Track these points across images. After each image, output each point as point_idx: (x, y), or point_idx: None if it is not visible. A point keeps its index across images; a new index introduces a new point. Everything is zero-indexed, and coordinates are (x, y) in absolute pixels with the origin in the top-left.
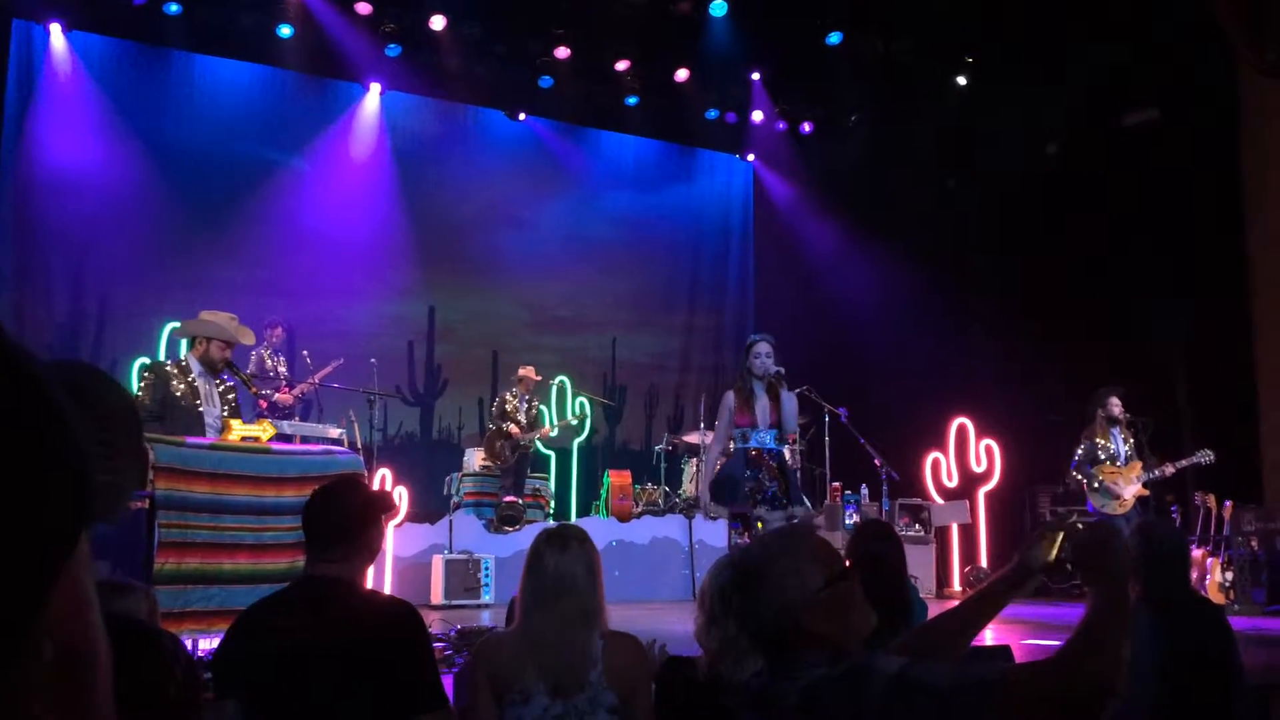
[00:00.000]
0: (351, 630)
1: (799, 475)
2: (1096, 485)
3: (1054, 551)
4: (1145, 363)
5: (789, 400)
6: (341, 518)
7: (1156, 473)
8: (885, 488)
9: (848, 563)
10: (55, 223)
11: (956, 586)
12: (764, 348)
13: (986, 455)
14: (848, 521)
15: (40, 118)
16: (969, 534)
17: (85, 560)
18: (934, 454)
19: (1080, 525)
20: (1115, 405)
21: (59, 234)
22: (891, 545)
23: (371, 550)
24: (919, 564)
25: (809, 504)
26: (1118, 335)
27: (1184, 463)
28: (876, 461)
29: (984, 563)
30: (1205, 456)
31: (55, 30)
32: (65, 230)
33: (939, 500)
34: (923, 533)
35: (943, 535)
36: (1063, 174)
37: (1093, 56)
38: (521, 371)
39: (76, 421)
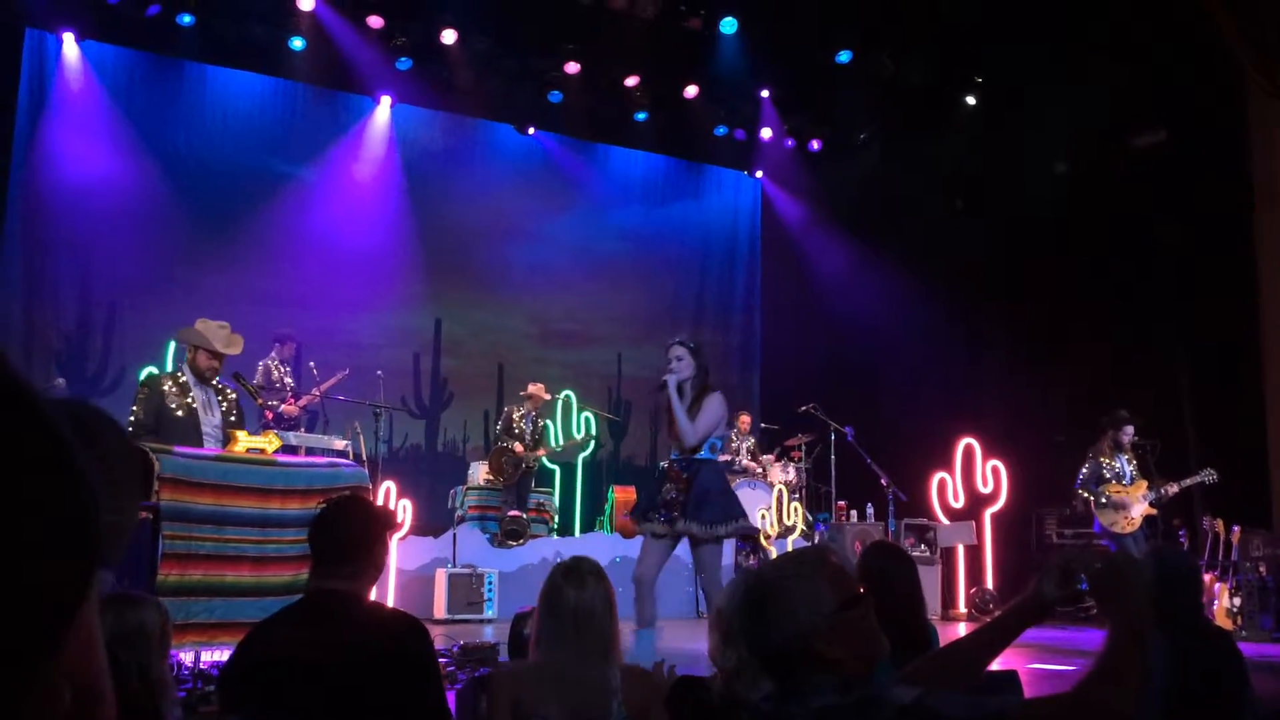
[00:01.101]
0: (358, 646)
1: (719, 492)
2: (1105, 501)
3: (1069, 582)
4: (1153, 385)
5: (706, 406)
6: (348, 535)
7: (1162, 491)
8: (892, 508)
9: (860, 588)
10: (65, 231)
11: (962, 608)
12: (671, 352)
13: (993, 476)
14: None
15: (52, 127)
16: (975, 555)
17: (94, 602)
18: (940, 474)
19: (1096, 555)
20: (1128, 434)
21: (68, 243)
22: (904, 567)
23: (377, 566)
24: (924, 585)
25: (724, 524)
26: (1125, 357)
27: (1188, 481)
28: (883, 481)
29: (990, 584)
30: (1209, 476)
31: (68, 40)
32: (75, 239)
33: (945, 521)
34: (928, 553)
35: (949, 556)
36: (1071, 194)
37: (1101, 77)
38: (531, 389)
39: (86, 463)
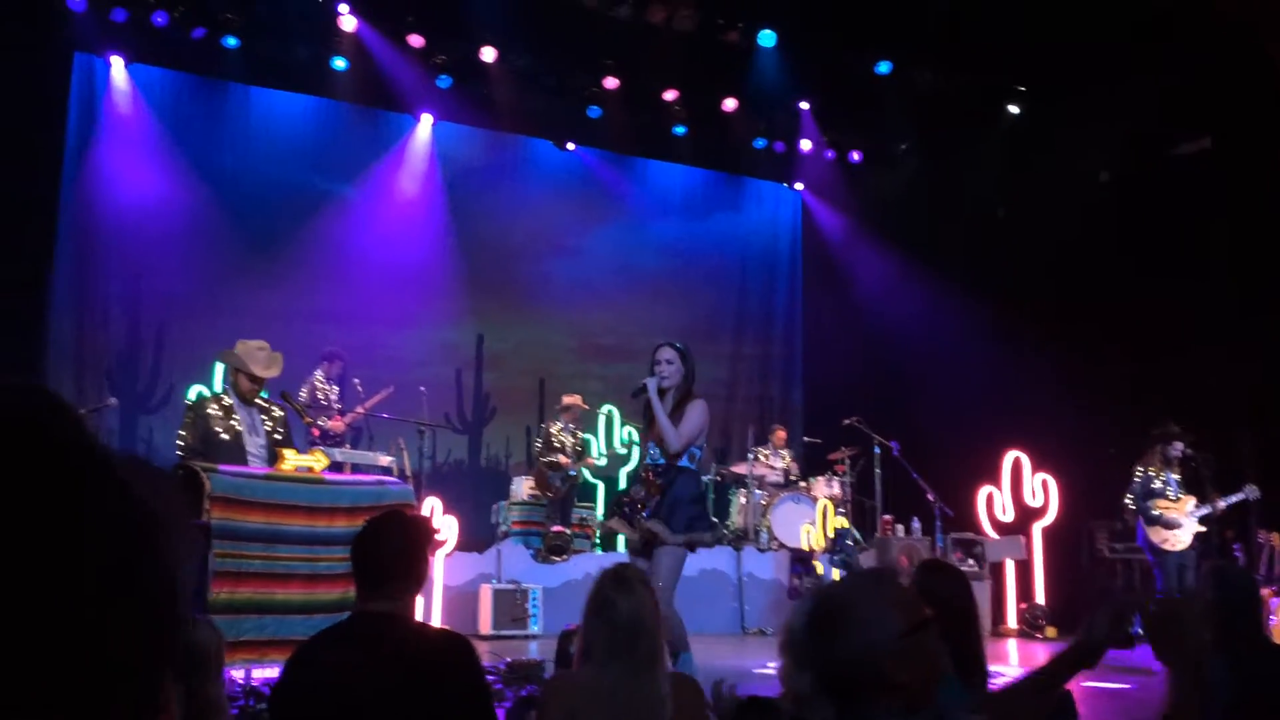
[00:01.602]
0: (407, 666)
1: (690, 501)
2: (1155, 517)
3: (1120, 627)
4: (1204, 395)
5: (690, 412)
6: (390, 555)
7: (1208, 507)
8: (939, 523)
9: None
10: (114, 251)
11: (1012, 624)
12: (661, 354)
13: (1042, 489)
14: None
15: (101, 149)
16: (1025, 570)
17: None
18: (988, 487)
19: (1150, 599)
20: (1176, 449)
21: (118, 262)
22: (960, 586)
23: (419, 581)
24: None
25: (689, 533)
26: (1175, 366)
27: (1233, 498)
28: (930, 496)
29: (1041, 600)
30: (1251, 492)
31: (117, 64)
32: (124, 259)
33: (993, 535)
34: (976, 568)
35: (997, 571)
36: (1116, 202)
37: (1145, 85)
38: (566, 400)
39: (172, 537)
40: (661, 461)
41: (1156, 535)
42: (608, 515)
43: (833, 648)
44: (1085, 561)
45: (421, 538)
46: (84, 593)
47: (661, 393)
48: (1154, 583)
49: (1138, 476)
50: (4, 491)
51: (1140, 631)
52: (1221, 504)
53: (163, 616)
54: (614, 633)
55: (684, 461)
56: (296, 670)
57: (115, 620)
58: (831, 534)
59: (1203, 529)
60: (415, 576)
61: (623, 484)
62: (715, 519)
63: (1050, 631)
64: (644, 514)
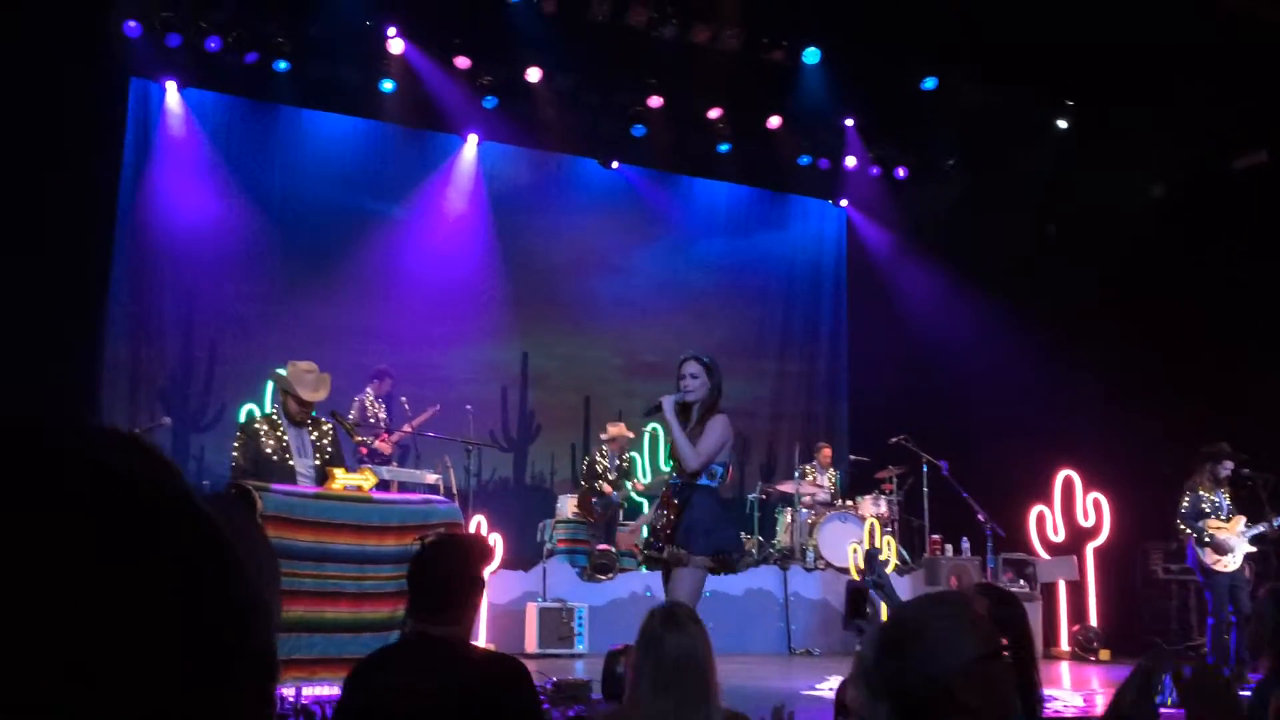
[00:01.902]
0: (465, 691)
1: (712, 522)
2: (1207, 539)
3: (1149, 695)
4: (1262, 413)
5: (710, 428)
6: (448, 580)
7: (1262, 527)
8: (990, 544)
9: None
10: (169, 272)
11: (1064, 646)
12: (686, 367)
13: (1095, 509)
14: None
15: (156, 172)
16: (1077, 591)
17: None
18: (1039, 507)
19: (1184, 666)
20: (1227, 468)
21: (171, 283)
22: (1016, 611)
23: (475, 606)
24: None
25: (707, 553)
26: (1230, 384)
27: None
28: (980, 517)
29: (1093, 621)
30: None
31: (171, 88)
32: (178, 280)
33: (1044, 555)
34: (1028, 589)
35: (1049, 592)
36: (1169, 217)
37: (1198, 97)
38: (611, 430)
39: (256, 586)
40: (673, 481)
41: (1207, 557)
42: (642, 547)
43: (904, 669)
44: (1139, 583)
45: (479, 561)
46: (200, 654)
47: (686, 407)
48: (1205, 605)
49: (1187, 497)
50: (114, 556)
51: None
52: (1278, 524)
53: (267, 670)
54: (662, 669)
55: (703, 480)
56: (356, 694)
57: (228, 682)
58: (882, 556)
59: (1253, 549)
60: (472, 601)
61: None
62: (761, 538)
63: (1104, 654)
64: (655, 544)
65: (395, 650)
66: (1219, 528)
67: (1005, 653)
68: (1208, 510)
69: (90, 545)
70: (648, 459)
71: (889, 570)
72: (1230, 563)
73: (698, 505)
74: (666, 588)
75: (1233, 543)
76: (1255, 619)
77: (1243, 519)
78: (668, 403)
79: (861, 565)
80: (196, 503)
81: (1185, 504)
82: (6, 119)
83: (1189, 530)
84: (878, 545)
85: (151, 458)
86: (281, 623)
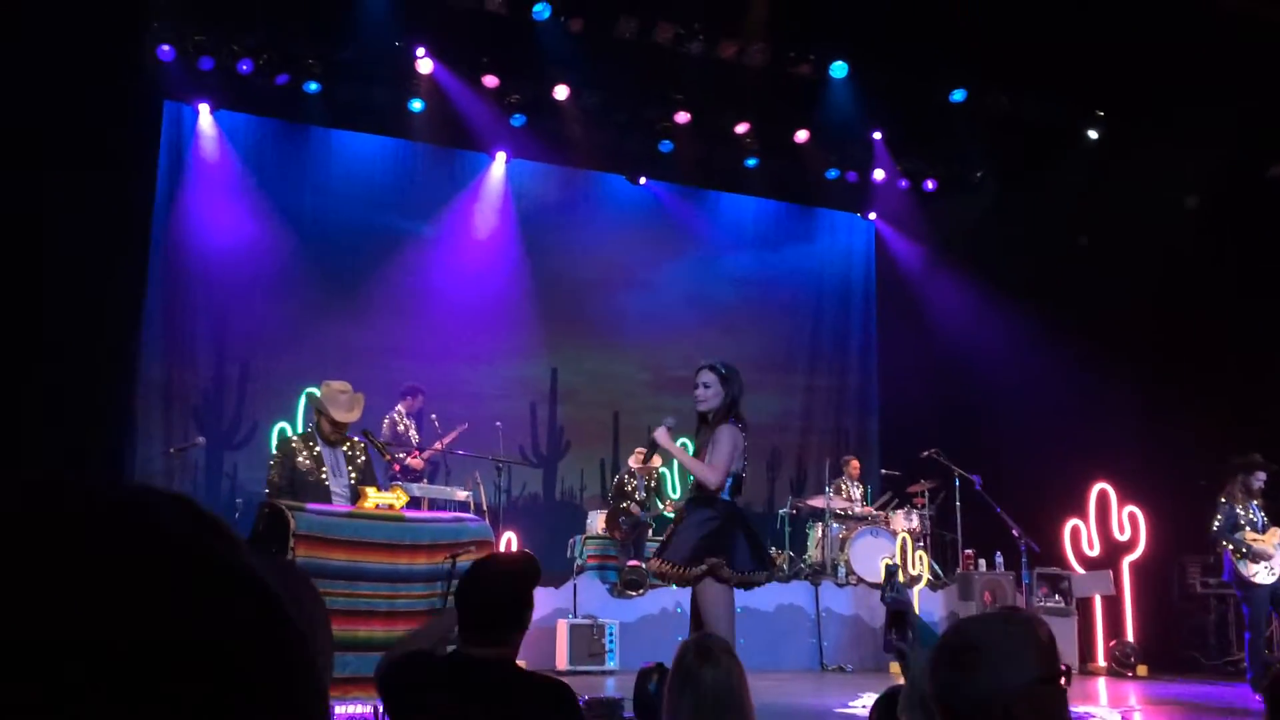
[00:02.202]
0: (513, 714)
1: (696, 529)
2: (1245, 551)
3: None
4: None
5: (718, 440)
6: (498, 600)
7: None
8: (1025, 559)
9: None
10: (201, 293)
11: (1101, 661)
12: (700, 376)
13: (1130, 523)
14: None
15: (188, 193)
16: (1113, 606)
17: None
18: (1073, 521)
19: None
20: (1260, 479)
21: (204, 302)
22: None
23: (525, 625)
24: (1060, 637)
25: (693, 564)
26: (1266, 395)
27: None
28: (1015, 532)
29: (1130, 637)
30: None
31: (204, 110)
32: (210, 300)
33: (1080, 570)
34: (1063, 604)
35: (1085, 607)
36: (1202, 228)
37: (1231, 106)
38: (633, 463)
39: (310, 653)
40: (708, 495)
41: (1245, 569)
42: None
43: (963, 681)
44: (1176, 597)
45: (530, 581)
46: None
47: (702, 418)
48: (1244, 619)
49: (1222, 509)
50: (166, 632)
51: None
52: None
53: None
54: (700, 703)
55: (708, 492)
56: (403, 713)
57: None
58: (914, 570)
59: None
60: (521, 622)
61: None
62: (792, 554)
63: (1141, 669)
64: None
65: (442, 669)
66: (1255, 539)
67: (1067, 676)
68: (1243, 522)
69: (148, 620)
70: (678, 476)
71: (921, 585)
72: (1267, 575)
73: (689, 517)
74: (693, 607)
75: (1270, 553)
76: None
77: (1279, 530)
78: (661, 434)
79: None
80: (254, 574)
81: (1220, 517)
82: (43, 143)
83: (1226, 543)
84: (896, 561)
85: (205, 526)
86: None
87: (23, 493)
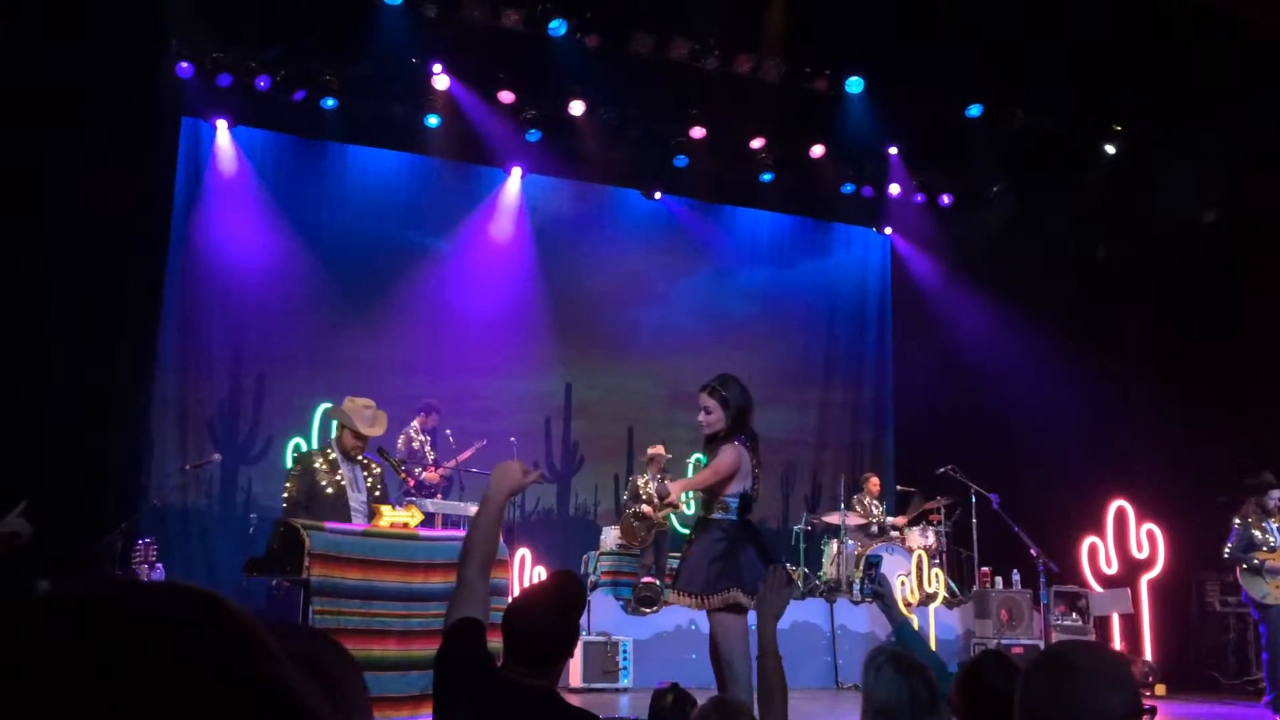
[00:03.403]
0: None
1: (711, 559)
2: (1256, 570)
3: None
4: None
5: (717, 456)
6: (553, 634)
7: None
8: (1043, 579)
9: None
10: (217, 306)
11: None
12: (700, 401)
13: (1149, 540)
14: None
15: (206, 208)
16: (1132, 625)
17: None
18: (1091, 538)
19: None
20: (1274, 498)
21: (220, 316)
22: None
23: (569, 653)
24: None
25: (712, 594)
26: None
27: None
28: (1033, 552)
29: (1149, 656)
30: None
31: (221, 126)
32: (226, 313)
33: (1097, 588)
34: (1080, 623)
35: (1103, 626)
36: (1221, 243)
37: (1248, 121)
38: (651, 451)
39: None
40: (720, 516)
41: (1257, 589)
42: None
43: (1050, 699)
44: (1195, 616)
45: (578, 612)
46: None
47: (709, 440)
48: (1261, 638)
49: (1236, 531)
50: None
51: None
52: None
53: None
54: None
55: (715, 514)
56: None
57: None
58: (930, 587)
59: None
60: (566, 651)
61: None
62: (807, 570)
63: (1160, 689)
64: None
65: (483, 694)
66: (1268, 557)
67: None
68: (1257, 540)
69: None
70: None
71: (937, 602)
72: (1278, 593)
73: (699, 542)
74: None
75: None
76: None
77: None
78: (672, 491)
79: (910, 600)
80: (278, 688)
81: (1233, 537)
82: (61, 159)
83: (1240, 563)
84: (927, 576)
85: (230, 636)
86: None
87: (42, 615)
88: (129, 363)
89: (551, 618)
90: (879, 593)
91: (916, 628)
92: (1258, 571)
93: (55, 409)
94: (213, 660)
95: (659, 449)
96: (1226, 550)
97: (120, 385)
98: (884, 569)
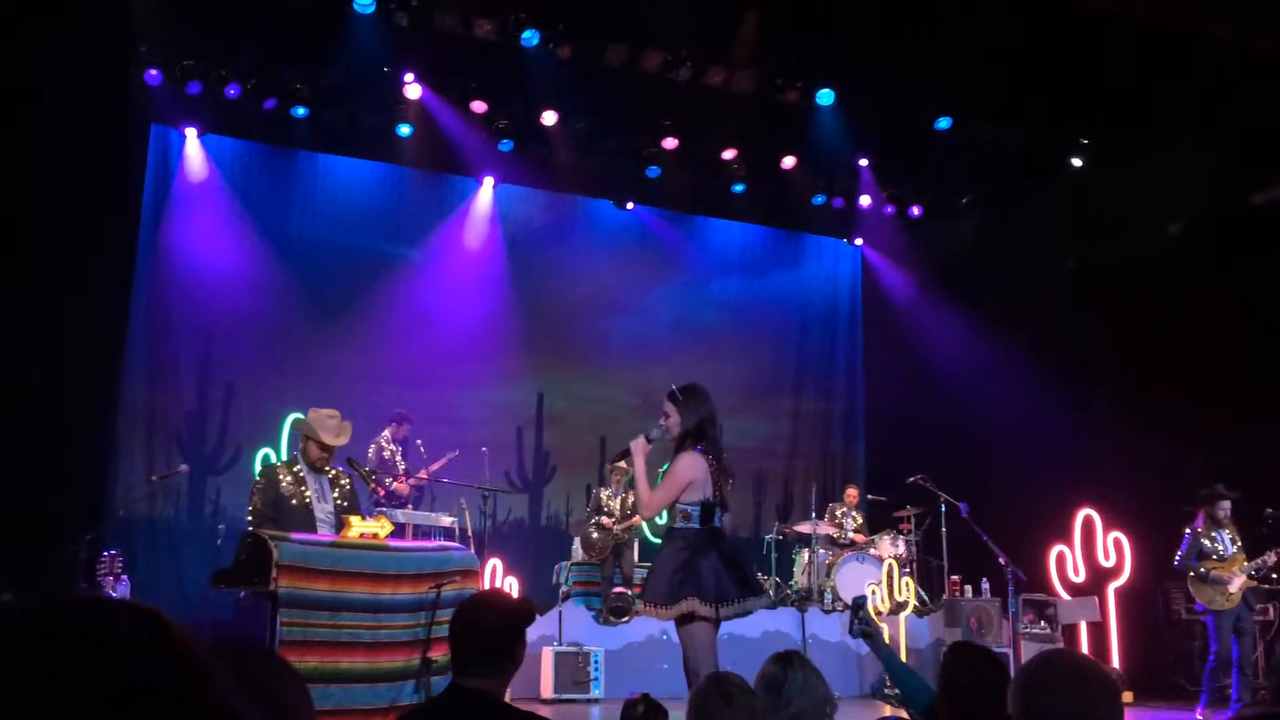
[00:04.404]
0: None
1: (672, 569)
2: (1206, 578)
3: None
4: None
5: (671, 468)
6: (488, 634)
7: (1261, 561)
8: (1011, 587)
9: None
10: (185, 315)
11: None
12: (664, 405)
13: (1115, 549)
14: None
15: (174, 216)
16: (1100, 632)
17: None
18: (1059, 547)
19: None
20: (1224, 509)
21: (189, 326)
22: (982, 673)
23: (516, 663)
24: None
25: (669, 604)
26: (1253, 421)
27: None
28: (1001, 560)
29: (1116, 663)
30: None
31: (191, 134)
32: (194, 322)
33: (1065, 596)
34: (1049, 630)
35: (1071, 633)
36: (1189, 254)
37: (1214, 132)
38: (616, 465)
39: None
40: (683, 525)
41: (1204, 596)
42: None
43: (1021, 699)
44: (1162, 623)
45: (521, 619)
46: None
47: (676, 450)
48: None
49: (1186, 540)
50: None
51: None
52: (1275, 556)
53: None
54: None
55: (678, 523)
56: None
57: None
58: (900, 596)
59: (1252, 584)
60: (511, 657)
61: None
62: (778, 579)
63: (1127, 696)
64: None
65: (431, 704)
66: (1216, 565)
67: None
68: (1207, 550)
69: None
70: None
71: (907, 611)
72: (1224, 601)
73: (662, 553)
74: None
75: (1227, 579)
76: (1276, 673)
77: (1244, 558)
78: (636, 444)
79: (880, 608)
80: (218, 702)
81: (1184, 546)
82: (28, 167)
83: (1189, 571)
84: (866, 594)
85: (165, 654)
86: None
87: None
88: (95, 373)
89: (506, 621)
90: (868, 632)
91: (887, 638)
92: (1204, 580)
93: (18, 418)
94: (161, 684)
95: (623, 464)
96: (1178, 558)
97: (86, 395)
98: (853, 577)
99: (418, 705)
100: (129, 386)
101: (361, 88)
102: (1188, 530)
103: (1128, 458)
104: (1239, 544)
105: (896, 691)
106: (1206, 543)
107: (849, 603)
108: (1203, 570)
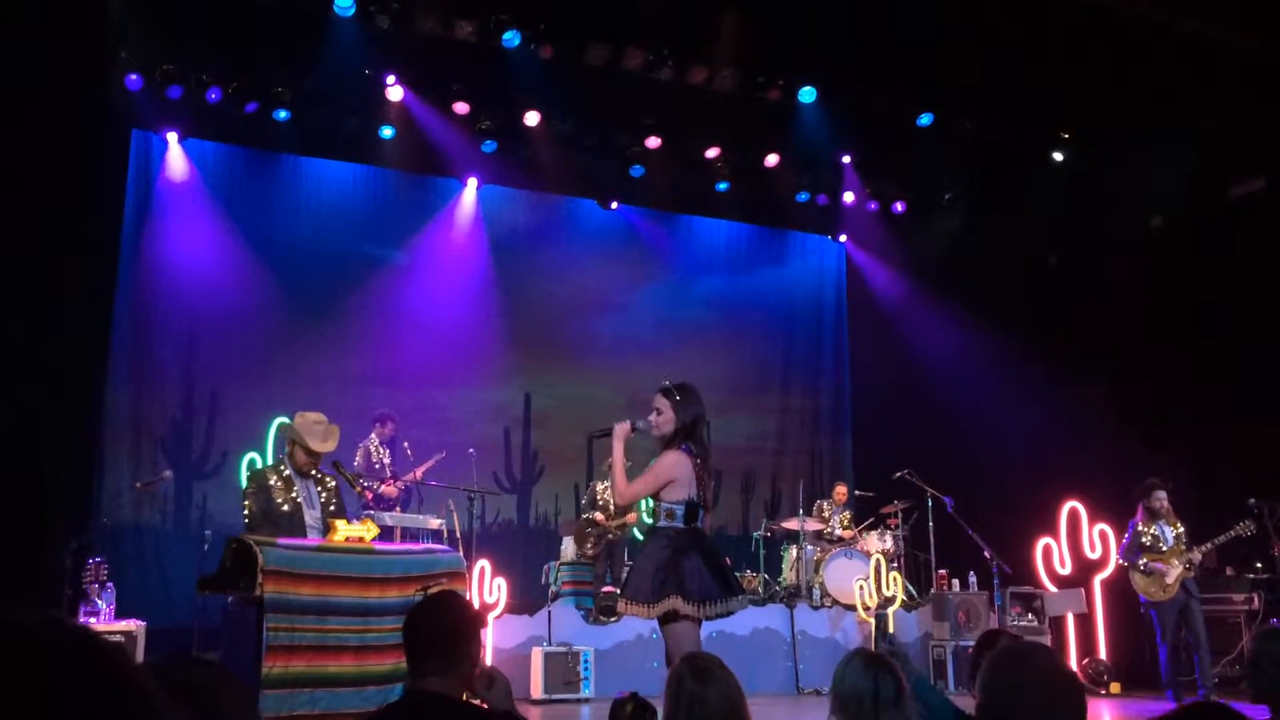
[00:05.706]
0: None
1: (654, 567)
2: (1144, 570)
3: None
4: (1270, 443)
5: (653, 464)
6: (438, 634)
7: (1198, 551)
8: (996, 580)
9: None
10: (169, 320)
11: None
12: (655, 400)
13: (1101, 541)
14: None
15: (156, 221)
16: (1086, 624)
17: None
18: (1045, 539)
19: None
20: (1159, 500)
21: (172, 330)
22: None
23: (471, 662)
24: None
25: (637, 602)
26: (1236, 415)
27: (1222, 538)
28: (987, 554)
29: (1103, 654)
30: (1246, 529)
31: (172, 139)
32: (178, 327)
33: (1052, 588)
34: (1036, 623)
35: (1058, 625)
36: (1170, 247)
37: (1194, 127)
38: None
39: None
40: (666, 524)
41: (1142, 586)
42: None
43: (989, 689)
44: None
45: (471, 620)
46: None
47: (664, 446)
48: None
49: (1127, 534)
50: None
51: None
52: (1209, 546)
53: None
54: None
55: (662, 522)
56: None
57: None
58: (888, 591)
59: (1189, 574)
60: (464, 656)
61: None
62: (767, 576)
63: (1114, 687)
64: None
65: (388, 709)
66: (1154, 557)
67: None
68: (1147, 544)
69: None
70: (650, 497)
71: (895, 606)
72: (1160, 592)
73: (645, 551)
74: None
75: (1163, 569)
76: (1253, 666)
77: (1183, 548)
78: (618, 429)
79: (868, 603)
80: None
81: (1125, 539)
82: (9, 172)
83: (1127, 564)
84: (886, 582)
85: (97, 678)
86: (284, 677)
87: None
88: (78, 379)
89: (445, 622)
90: (894, 652)
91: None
92: (1140, 571)
93: (0, 425)
94: (94, 712)
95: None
96: (1120, 553)
97: (69, 402)
98: (841, 573)
99: (373, 711)
100: (112, 392)
101: (343, 90)
102: (1130, 523)
103: (1112, 449)
104: (1179, 534)
105: None
106: (1147, 537)
107: (836, 598)
108: (1142, 563)
